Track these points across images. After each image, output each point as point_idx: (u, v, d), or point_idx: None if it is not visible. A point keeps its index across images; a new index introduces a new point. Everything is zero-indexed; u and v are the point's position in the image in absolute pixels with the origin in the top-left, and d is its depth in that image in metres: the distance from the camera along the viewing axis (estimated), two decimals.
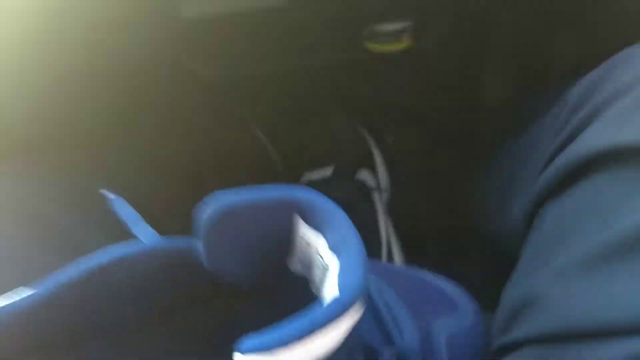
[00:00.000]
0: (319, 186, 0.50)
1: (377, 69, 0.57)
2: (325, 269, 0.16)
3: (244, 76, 0.54)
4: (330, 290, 0.14)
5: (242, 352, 0.12)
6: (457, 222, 0.46)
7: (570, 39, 0.44)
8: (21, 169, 0.34)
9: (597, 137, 0.22)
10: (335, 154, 0.52)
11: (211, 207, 0.17)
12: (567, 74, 0.44)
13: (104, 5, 0.31)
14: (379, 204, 0.49)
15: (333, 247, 0.16)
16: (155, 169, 0.48)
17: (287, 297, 0.19)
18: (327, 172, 0.50)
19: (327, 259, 0.16)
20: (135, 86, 0.46)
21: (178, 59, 0.47)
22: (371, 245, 0.47)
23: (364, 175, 0.51)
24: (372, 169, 0.52)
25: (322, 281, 0.17)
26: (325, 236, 0.16)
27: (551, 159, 0.24)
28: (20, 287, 0.19)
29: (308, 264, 0.18)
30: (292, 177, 0.52)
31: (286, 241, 0.18)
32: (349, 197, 0.48)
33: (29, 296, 0.16)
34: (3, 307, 0.16)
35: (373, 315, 0.23)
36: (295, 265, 0.19)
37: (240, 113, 0.58)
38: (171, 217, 0.44)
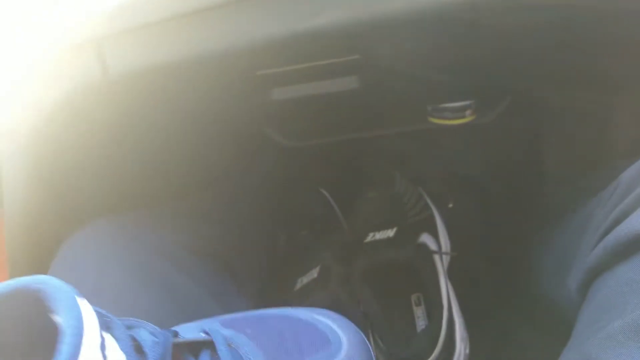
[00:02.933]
0: (382, 246, 0.53)
1: (440, 140, 0.62)
2: None
3: (316, 144, 0.61)
4: None
5: None
6: (517, 288, 0.47)
7: (626, 119, 0.47)
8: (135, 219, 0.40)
9: None
10: (398, 216, 0.56)
11: None
12: (624, 153, 0.46)
13: (214, 89, 0.39)
14: (441, 267, 0.51)
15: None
16: (234, 220, 0.54)
17: None
18: (390, 233, 0.54)
19: None
20: (227, 151, 0.53)
21: (263, 131, 0.54)
22: (432, 307, 0.49)
23: (426, 238, 0.54)
24: (434, 233, 0.55)
25: None
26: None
27: (602, 237, 0.27)
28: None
29: None
30: (357, 237, 0.56)
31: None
32: (412, 259, 0.51)
33: None
34: None
35: None
36: None
37: (311, 177, 0.64)
38: (248, 272, 0.49)
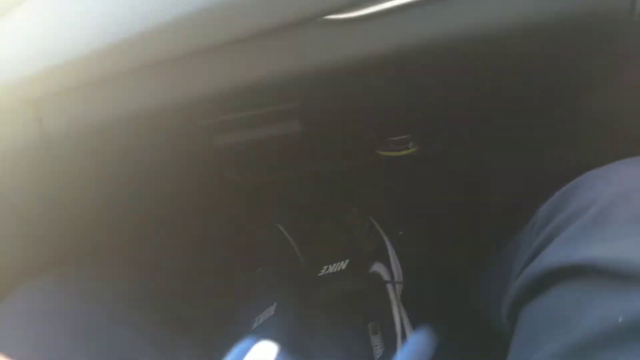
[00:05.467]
0: (336, 278, 0.54)
1: (389, 171, 0.64)
2: None
3: (270, 182, 0.62)
4: None
5: None
6: (468, 314, 0.49)
7: (562, 152, 0.50)
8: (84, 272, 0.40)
9: (554, 255, 0.27)
10: (350, 248, 0.57)
11: None
12: (561, 183, 0.49)
13: (157, 139, 0.39)
14: (393, 295, 0.53)
15: None
16: (193, 262, 0.54)
17: None
18: (342, 265, 0.55)
19: None
20: (180, 194, 0.54)
21: (220, 172, 0.55)
22: (388, 335, 0.50)
23: (378, 267, 0.56)
24: (386, 262, 0.57)
25: None
26: None
27: (521, 271, 0.30)
28: None
29: None
30: (312, 270, 0.57)
31: None
32: (364, 290, 0.52)
33: None
34: None
35: None
36: None
37: (266, 213, 0.65)
38: (203, 311, 0.49)
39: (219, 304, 0.56)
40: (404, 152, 0.60)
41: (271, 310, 0.54)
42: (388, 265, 0.56)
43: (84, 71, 0.31)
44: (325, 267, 0.55)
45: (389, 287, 0.53)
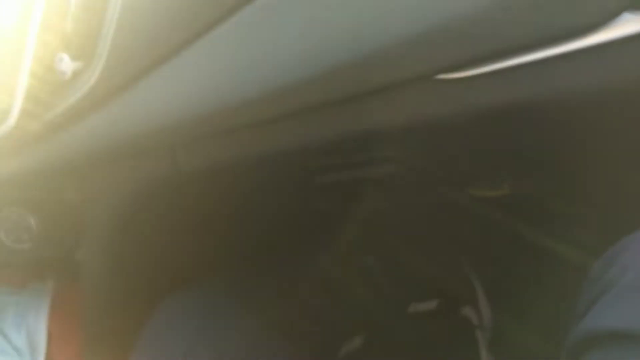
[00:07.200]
0: (425, 318, 0.54)
1: (479, 212, 0.63)
2: None
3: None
4: None
5: None
6: None
7: None
8: None
9: (596, 318, 0.25)
10: (440, 288, 0.57)
11: None
12: None
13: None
14: (482, 342, 0.52)
15: None
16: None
17: None
18: (431, 305, 0.55)
19: None
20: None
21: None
22: None
23: (468, 311, 0.55)
24: (476, 306, 0.56)
25: None
26: None
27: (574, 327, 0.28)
28: None
29: None
30: (399, 306, 0.57)
31: None
32: (452, 334, 0.52)
33: None
34: None
35: None
36: None
37: (353, 243, 0.67)
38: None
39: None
40: (496, 192, 0.59)
41: (357, 341, 0.55)
42: (477, 308, 0.56)
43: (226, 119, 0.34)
44: (414, 304, 0.55)
45: (478, 332, 0.53)
